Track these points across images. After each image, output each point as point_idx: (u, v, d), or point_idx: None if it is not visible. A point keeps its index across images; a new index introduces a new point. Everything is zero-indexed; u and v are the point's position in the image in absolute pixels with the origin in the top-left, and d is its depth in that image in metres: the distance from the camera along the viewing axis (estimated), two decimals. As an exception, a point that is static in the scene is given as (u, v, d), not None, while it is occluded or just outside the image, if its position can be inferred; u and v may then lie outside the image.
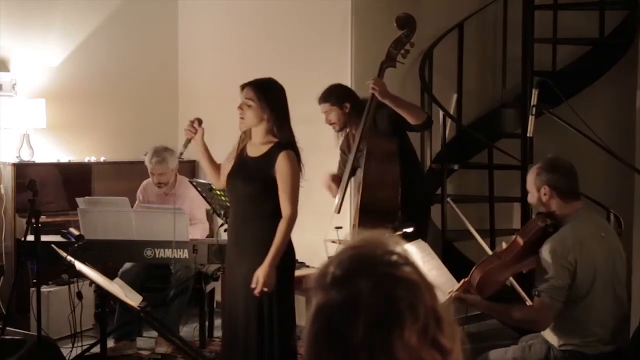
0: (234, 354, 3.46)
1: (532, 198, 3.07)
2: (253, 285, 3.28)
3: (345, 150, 4.15)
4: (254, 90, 3.36)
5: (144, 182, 5.15)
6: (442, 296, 2.93)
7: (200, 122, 3.52)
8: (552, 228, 2.98)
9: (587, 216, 3.03)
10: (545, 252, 2.89)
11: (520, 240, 3.01)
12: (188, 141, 3.54)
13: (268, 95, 3.37)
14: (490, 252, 3.15)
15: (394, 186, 3.79)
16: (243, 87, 3.40)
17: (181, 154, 3.59)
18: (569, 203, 2.99)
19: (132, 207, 4.79)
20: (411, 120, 3.84)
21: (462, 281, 2.99)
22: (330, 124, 4.04)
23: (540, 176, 2.99)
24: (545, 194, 2.99)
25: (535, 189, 3.02)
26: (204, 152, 3.58)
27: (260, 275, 3.27)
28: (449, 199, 3.96)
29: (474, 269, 3.01)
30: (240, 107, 3.39)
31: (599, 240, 2.97)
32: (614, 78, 5.16)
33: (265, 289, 3.27)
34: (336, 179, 4.07)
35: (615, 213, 4.21)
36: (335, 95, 4.02)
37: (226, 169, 3.54)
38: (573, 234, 2.91)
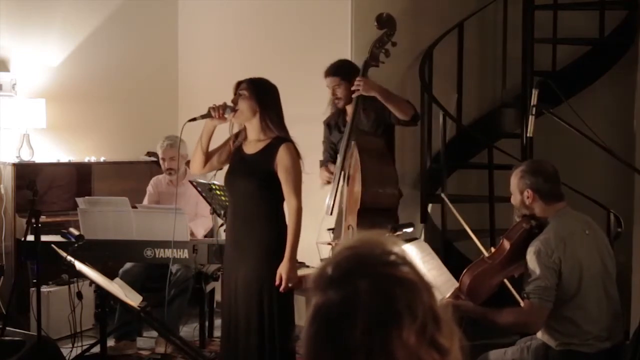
0: (233, 354, 3.46)
1: (515, 200, 3.09)
2: (277, 283, 3.32)
3: (331, 124, 4.14)
4: (247, 83, 3.43)
5: (153, 179, 5.17)
6: (441, 297, 2.94)
7: (229, 110, 3.43)
8: (537, 229, 3.00)
9: (570, 215, 3.05)
10: (530, 253, 2.92)
11: (507, 244, 3.03)
12: (208, 116, 3.44)
13: (260, 90, 3.42)
14: (486, 253, 3.16)
15: (394, 185, 3.80)
16: (238, 83, 3.43)
17: (194, 119, 3.49)
18: (551, 205, 3.01)
19: (134, 204, 4.78)
20: (399, 114, 3.83)
21: (454, 288, 3.01)
22: (336, 99, 3.99)
23: (524, 179, 3.02)
24: (528, 197, 3.01)
25: (519, 191, 3.04)
26: (208, 136, 3.53)
27: (283, 272, 3.32)
28: (442, 195, 3.95)
29: (462, 274, 3.02)
30: (233, 101, 3.41)
31: (583, 238, 2.99)
32: (614, 78, 5.16)
33: (290, 285, 3.32)
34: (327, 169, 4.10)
35: (615, 213, 4.22)
36: (346, 69, 3.98)
37: (215, 160, 3.56)
38: (556, 233, 2.93)
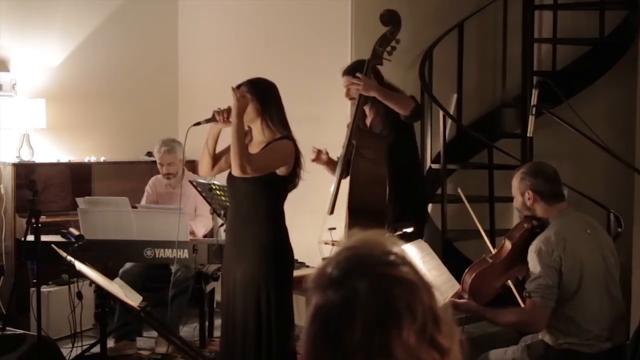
0: (232, 354, 3.46)
1: (517, 202, 3.11)
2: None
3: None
4: (247, 85, 3.43)
5: (152, 178, 5.17)
6: (441, 297, 2.94)
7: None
8: (538, 229, 3.02)
9: (572, 215, 3.06)
10: (531, 252, 2.93)
11: (509, 244, 3.05)
12: (213, 120, 3.44)
13: (260, 89, 3.43)
14: (493, 251, 3.17)
15: (382, 186, 3.74)
16: (238, 87, 3.43)
17: (198, 123, 3.48)
18: (553, 205, 3.03)
19: (134, 204, 4.78)
20: (400, 111, 3.76)
21: (456, 288, 3.01)
22: (350, 99, 3.91)
23: (524, 181, 3.04)
24: (529, 199, 3.03)
25: (520, 193, 3.06)
26: (214, 140, 3.53)
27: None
28: (459, 190, 3.92)
29: (464, 274, 3.03)
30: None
31: (584, 238, 2.99)
32: (614, 78, 5.16)
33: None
34: (331, 161, 4.00)
35: (615, 213, 4.22)
36: (360, 68, 3.85)
37: (224, 162, 3.55)
38: (556, 232, 2.94)
